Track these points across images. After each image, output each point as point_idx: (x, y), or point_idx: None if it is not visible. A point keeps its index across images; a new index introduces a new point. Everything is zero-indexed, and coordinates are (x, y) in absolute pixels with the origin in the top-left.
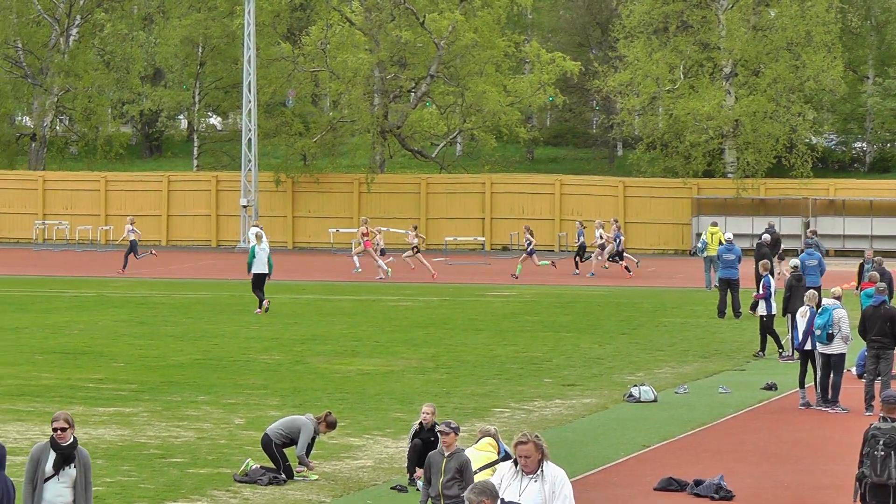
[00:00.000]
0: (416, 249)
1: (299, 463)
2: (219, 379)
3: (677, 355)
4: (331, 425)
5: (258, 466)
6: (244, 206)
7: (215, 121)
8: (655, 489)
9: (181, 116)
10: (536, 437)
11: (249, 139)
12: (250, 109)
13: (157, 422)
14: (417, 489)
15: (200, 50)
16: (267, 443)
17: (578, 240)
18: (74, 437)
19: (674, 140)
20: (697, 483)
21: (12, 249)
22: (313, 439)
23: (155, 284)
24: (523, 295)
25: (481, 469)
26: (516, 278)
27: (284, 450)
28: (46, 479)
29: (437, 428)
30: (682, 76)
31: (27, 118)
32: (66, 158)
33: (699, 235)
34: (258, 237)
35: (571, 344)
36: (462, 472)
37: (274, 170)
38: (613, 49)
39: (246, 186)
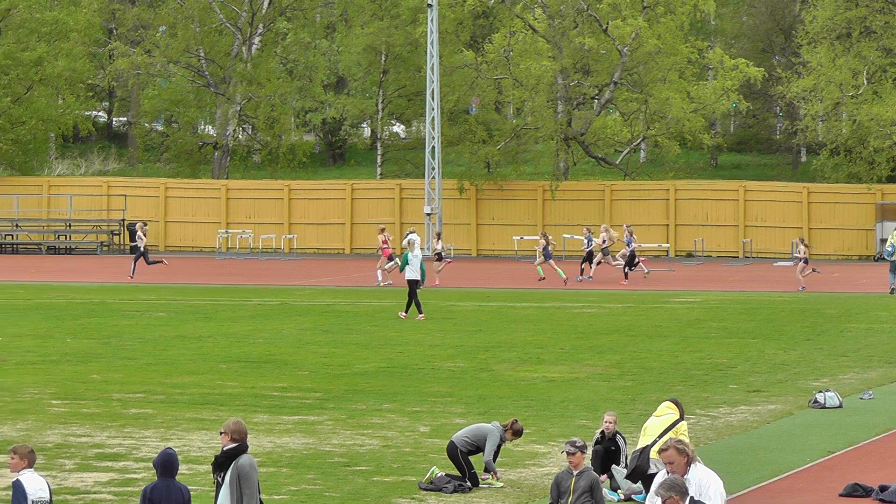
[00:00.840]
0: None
1: (485, 470)
2: (403, 387)
3: (862, 361)
4: (517, 433)
5: (443, 474)
6: (428, 214)
7: (399, 129)
8: (841, 495)
9: (364, 125)
10: (678, 442)
11: (433, 147)
12: (434, 117)
13: (342, 430)
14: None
15: (383, 58)
16: (452, 450)
17: (588, 245)
18: (237, 446)
19: (857, 146)
20: (883, 489)
21: (196, 258)
22: (499, 447)
23: (339, 292)
24: (707, 301)
25: (662, 434)
26: (543, 279)
27: (470, 457)
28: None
29: (562, 449)
30: (865, 82)
31: (210, 127)
32: (248, 167)
33: (884, 241)
34: (411, 244)
35: (756, 350)
36: (592, 492)
37: (457, 177)
38: (797, 55)
39: (430, 194)
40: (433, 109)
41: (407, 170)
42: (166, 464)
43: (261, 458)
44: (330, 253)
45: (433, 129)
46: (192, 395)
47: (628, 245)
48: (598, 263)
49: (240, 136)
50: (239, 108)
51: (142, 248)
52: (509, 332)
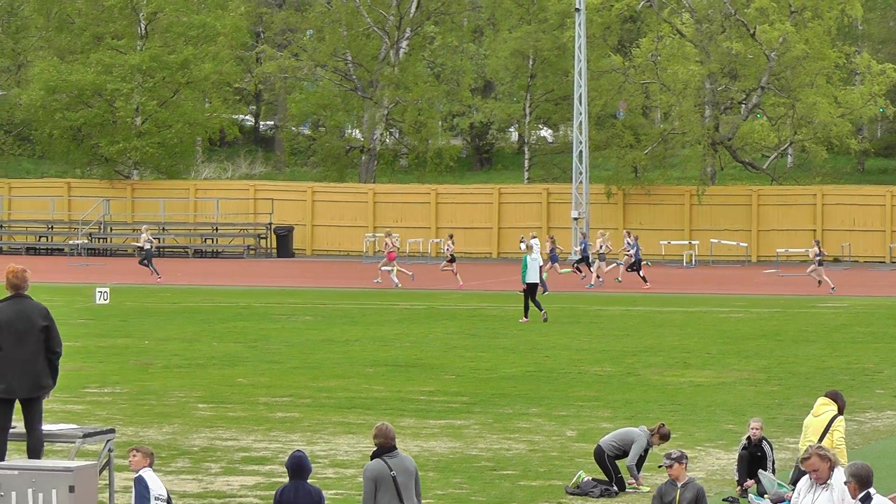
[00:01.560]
0: (599, 257)
1: (630, 475)
2: (550, 391)
3: None
4: (664, 437)
5: (590, 479)
6: (575, 219)
7: (546, 133)
8: None
9: (512, 129)
10: (819, 448)
11: (580, 151)
12: (581, 121)
13: (489, 434)
14: (748, 500)
15: (531, 62)
16: (600, 455)
17: (582, 250)
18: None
19: None
20: None
21: (343, 262)
22: (646, 451)
23: (485, 296)
24: (854, 306)
25: (824, 433)
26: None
27: (616, 462)
28: None
29: (660, 464)
30: None
31: (357, 131)
32: (395, 171)
33: None
34: (530, 248)
35: None
36: (698, 502)
37: (605, 182)
38: None
39: (577, 199)
40: (581, 114)
41: (554, 174)
42: (296, 466)
43: None
44: (477, 257)
45: (580, 133)
46: (338, 398)
47: (631, 250)
48: (630, 269)
49: (387, 140)
50: (386, 112)
51: (151, 249)
52: (656, 336)
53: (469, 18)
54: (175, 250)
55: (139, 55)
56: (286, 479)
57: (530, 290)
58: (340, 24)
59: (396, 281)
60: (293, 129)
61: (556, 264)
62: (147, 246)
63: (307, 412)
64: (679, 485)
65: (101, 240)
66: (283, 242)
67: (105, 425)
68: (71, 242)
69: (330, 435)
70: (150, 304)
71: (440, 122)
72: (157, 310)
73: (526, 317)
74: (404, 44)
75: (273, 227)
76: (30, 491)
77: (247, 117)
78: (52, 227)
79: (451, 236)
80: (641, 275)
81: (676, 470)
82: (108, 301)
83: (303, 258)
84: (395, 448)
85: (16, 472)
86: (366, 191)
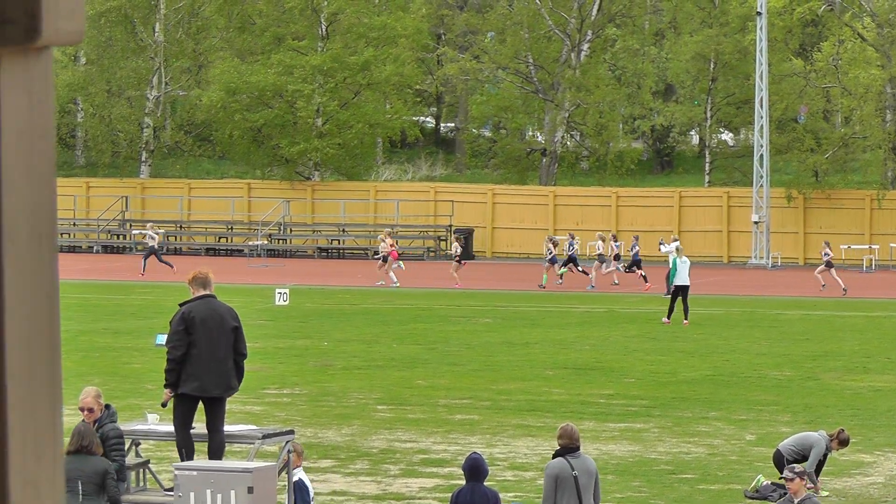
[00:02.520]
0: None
1: (808, 480)
2: (730, 395)
3: None
4: (843, 442)
5: (769, 483)
6: (756, 223)
7: (727, 136)
8: None
9: (693, 132)
10: None
11: (761, 155)
12: (762, 125)
13: (668, 438)
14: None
15: (712, 65)
16: (779, 459)
17: (570, 250)
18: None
19: None
20: None
21: (523, 264)
22: (825, 456)
23: (665, 301)
24: None
25: None
26: (543, 288)
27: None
28: None
29: (781, 475)
30: None
31: (538, 133)
32: (576, 174)
33: None
34: (679, 251)
35: None
36: None
37: (785, 186)
38: None
39: (757, 202)
40: (762, 117)
41: (735, 178)
42: (473, 468)
43: None
44: (650, 261)
45: (761, 137)
46: (517, 401)
47: (632, 251)
48: (627, 269)
49: (567, 143)
50: (567, 115)
51: (155, 247)
52: (836, 341)
53: (650, 21)
54: (355, 252)
55: (320, 56)
56: (464, 482)
57: (681, 291)
58: (522, 27)
59: (396, 280)
60: (474, 131)
61: (556, 266)
62: (151, 242)
63: (486, 414)
64: (796, 500)
65: (281, 241)
66: (464, 244)
67: (284, 426)
68: (250, 243)
69: (509, 437)
70: (330, 306)
71: (621, 125)
72: (337, 311)
73: (668, 318)
74: (585, 46)
75: (453, 229)
76: (208, 492)
77: (428, 119)
78: (231, 228)
79: (460, 238)
80: (642, 274)
81: (796, 485)
82: (287, 302)
83: (483, 260)
84: (578, 449)
85: (195, 473)
86: (546, 193)
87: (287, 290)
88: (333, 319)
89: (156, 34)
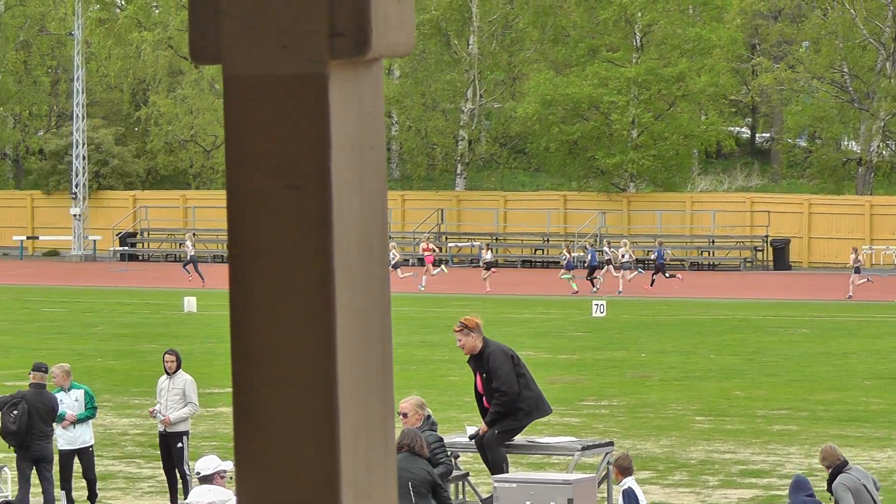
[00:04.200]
0: None
1: None
2: None
3: None
4: None
5: None
6: None
7: None
8: None
9: None
10: None
11: None
12: None
13: None
14: None
15: None
16: None
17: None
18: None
19: None
20: None
21: (839, 275)
22: None
23: None
24: None
25: None
26: (577, 292)
27: None
28: None
29: None
30: None
31: (854, 143)
32: (892, 183)
33: None
34: None
35: None
36: None
37: None
38: None
39: None
40: None
41: None
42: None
43: None
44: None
45: None
46: (835, 411)
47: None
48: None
49: (883, 153)
50: (883, 124)
51: (193, 255)
52: None
53: None
54: (672, 263)
55: (635, 68)
56: (783, 493)
57: None
58: (836, 36)
59: (422, 285)
60: (789, 141)
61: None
62: (190, 252)
63: (805, 425)
64: None
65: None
66: (780, 255)
67: (603, 438)
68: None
69: None
70: (646, 317)
71: None
72: (653, 322)
73: None
74: None
75: (769, 239)
76: (528, 503)
77: (743, 129)
78: (547, 240)
79: (488, 245)
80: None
81: None
82: (604, 314)
83: (799, 271)
84: (847, 463)
85: (514, 486)
86: (862, 203)
87: (604, 302)
88: (650, 331)
89: (470, 46)
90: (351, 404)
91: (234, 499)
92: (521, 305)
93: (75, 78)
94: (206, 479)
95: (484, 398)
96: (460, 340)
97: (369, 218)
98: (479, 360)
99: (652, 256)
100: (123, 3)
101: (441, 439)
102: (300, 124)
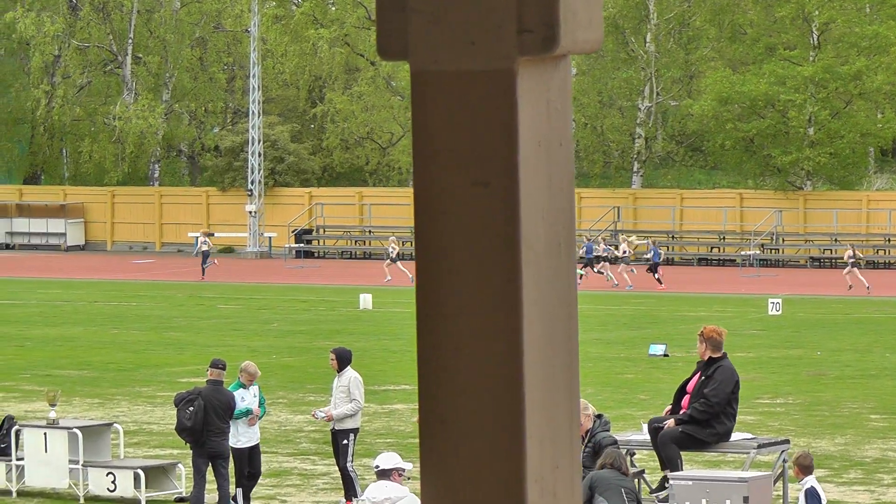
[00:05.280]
0: None
1: None
2: None
3: None
4: None
5: None
6: None
7: None
8: None
9: None
10: None
11: None
12: None
13: None
14: None
15: None
16: None
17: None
18: None
19: None
20: None
21: None
22: None
23: None
24: None
25: None
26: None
27: None
28: None
29: None
30: None
31: None
32: None
33: None
34: None
35: None
36: None
37: None
38: None
39: None
40: None
41: None
42: None
43: None
44: None
45: None
46: None
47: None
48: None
49: None
50: None
51: (208, 251)
52: None
53: None
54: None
55: (812, 66)
56: None
57: None
58: None
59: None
60: None
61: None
62: (204, 248)
63: None
64: None
65: (773, 251)
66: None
67: (779, 436)
68: (743, 253)
69: None
70: (822, 315)
71: None
72: (829, 321)
73: None
74: None
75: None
76: (703, 501)
77: None
78: (723, 238)
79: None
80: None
81: None
82: (780, 312)
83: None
84: None
85: (690, 483)
86: None
87: (780, 300)
88: (826, 329)
89: (647, 44)
90: (537, 401)
91: (409, 496)
92: (697, 303)
93: (251, 75)
94: (383, 474)
95: (687, 398)
96: (698, 346)
97: (556, 215)
98: (708, 367)
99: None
100: None
101: (615, 442)
102: (488, 121)
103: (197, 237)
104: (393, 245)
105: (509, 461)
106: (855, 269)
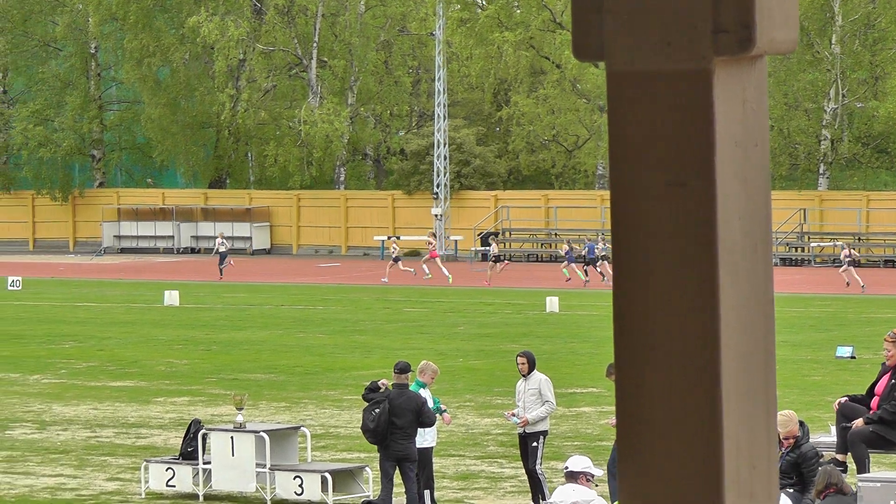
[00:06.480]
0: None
1: None
2: None
3: None
4: None
5: None
6: None
7: None
8: None
9: None
10: None
11: None
12: None
13: None
14: None
15: None
16: None
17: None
18: None
19: None
20: None
21: None
22: None
23: None
24: None
25: None
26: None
27: None
28: None
29: None
30: None
31: None
32: None
33: None
34: None
35: None
36: None
37: None
38: None
39: None
40: None
41: None
42: None
43: None
44: None
45: None
46: None
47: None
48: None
49: None
50: None
51: (224, 252)
52: None
53: None
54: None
55: None
56: None
57: None
58: None
59: (447, 274)
60: None
61: (572, 264)
62: (222, 249)
63: None
64: None
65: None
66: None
67: None
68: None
69: None
70: None
71: None
72: None
73: None
74: None
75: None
76: (892, 503)
77: None
78: None
79: (494, 237)
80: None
81: None
82: None
83: None
84: None
85: (878, 485)
86: None
87: None
88: None
89: (832, 46)
90: (734, 402)
91: (597, 499)
92: (884, 305)
93: (436, 78)
94: (571, 477)
95: (876, 399)
96: (888, 350)
97: (753, 215)
98: None
99: None
100: (484, 2)
101: (818, 454)
102: (684, 121)
103: (215, 238)
104: (394, 245)
105: (707, 462)
106: (851, 267)
